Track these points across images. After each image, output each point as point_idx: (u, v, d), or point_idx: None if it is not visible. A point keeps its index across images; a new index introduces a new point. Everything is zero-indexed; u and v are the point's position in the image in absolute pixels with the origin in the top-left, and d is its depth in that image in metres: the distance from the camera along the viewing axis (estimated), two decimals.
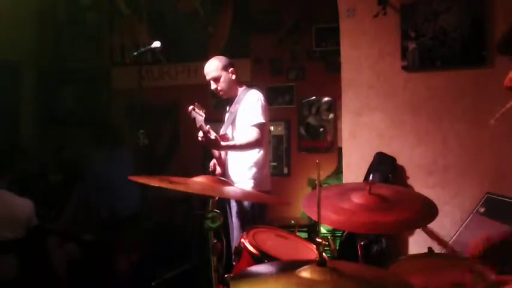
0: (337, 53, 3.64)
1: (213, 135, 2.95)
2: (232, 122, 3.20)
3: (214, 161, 3.28)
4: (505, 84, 1.61)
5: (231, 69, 3.20)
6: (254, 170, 3.11)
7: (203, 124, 2.93)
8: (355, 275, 1.31)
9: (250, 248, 1.98)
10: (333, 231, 4.18)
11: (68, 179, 4.21)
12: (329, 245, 1.69)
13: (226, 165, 3.22)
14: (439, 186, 3.17)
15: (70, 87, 6.11)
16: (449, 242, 2.86)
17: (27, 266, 3.55)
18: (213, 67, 3.18)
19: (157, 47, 3.36)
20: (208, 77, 3.20)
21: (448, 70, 3.21)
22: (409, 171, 3.28)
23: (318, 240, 1.32)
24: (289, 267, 1.33)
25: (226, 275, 1.56)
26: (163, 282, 3.57)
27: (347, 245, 2.98)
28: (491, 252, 1.66)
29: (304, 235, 4.33)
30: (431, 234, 3.07)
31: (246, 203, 3.03)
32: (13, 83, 5.72)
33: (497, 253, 1.66)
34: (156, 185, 1.65)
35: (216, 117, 3.49)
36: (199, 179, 1.83)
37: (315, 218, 1.74)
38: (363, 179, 3.21)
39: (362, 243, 2.21)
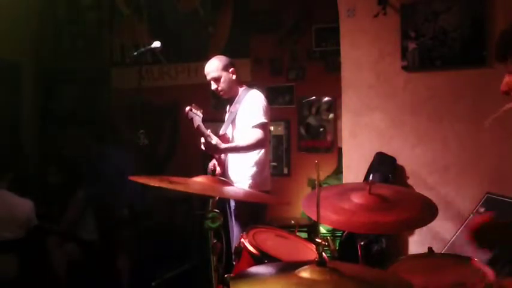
0: (337, 53, 3.64)
1: (214, 139, 2.95)
2: (233, 122, 3.20)
3: (214, 161, 3.28)
4: (501, 89, 1.61)
5: (232, 69, 3.20)
6: (254, 170, 3.11)
7: (201, 125, 2.92)
8: (355, 275, 1.31)
9: (250, 248, 1.98)
10: (333, 231, 4.18)
11: (68, 179, 4.21)
12: (329, 245, 1.69)
13: (226, 165, 3.21)
14: (439, 186, 3.17)
15: (70, 87, 6.10)
16: (449, 242, 2.86)
17: (27, 266, 3.55)
18: (213, 67, 3.17)
19: (157, 47, 3.36)
20: (208, 77, 3.20)
21: (448, 70, 3.21)
22: (409, 171, 3.29)
23: (318, 240, 1.32)
24: (289, 267, 1.33)
25: (226, 275, 1.56)
26: (163, 282, 3.57)
27: (347, 245, 2.98)
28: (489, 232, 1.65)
29: (304, 235, 4.33)
30: None
31: (246, 203, 3.03)
32: (13, 83, 5.72)
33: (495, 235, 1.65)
34: (156, 185, 1.65)
35: (216, 117, 3.49)
36: (199, 179, 1.83)
37: (314, 218, 1.74)
38: (363, 179, 3.21)
39: (362, 243, 2.20)
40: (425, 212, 1.85)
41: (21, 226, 3.53)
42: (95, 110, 5.95)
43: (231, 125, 3.22)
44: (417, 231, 3.18)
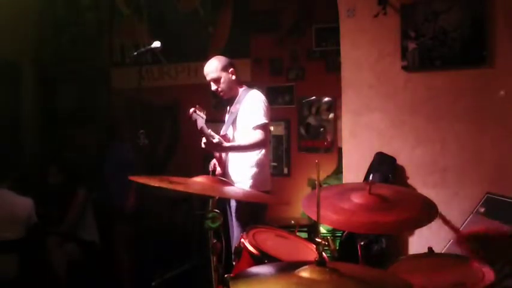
0: (337, 53, 3.64)
1: (216, 138, 2.95)
2: (233, 123, 3.20)
3: (214, 161, 3.28)
4: None
5: (231, 69, 3.19)
6: (255, 170, 3.11)
7: (204, 126, 2.92)
8: (355, 275, 1.31)
9: (250, 248, 1.98)
10: (333, 231, 4.18)
11: (68, 180, 4.21)
12: (329, 245, 1.69)
13: (226, 165, 3.21)
14: (439, 186, 3.17)
15: (70, 87, 6.10)
16: (449, 243, 2.86)
17: (27, 266, 3.55)
18: (213, 68, 3.17)
19: (157, 47, 3.36)
20: (208, 78, 3.19)
21: (448, 70, 3.20)
22: (409, 171, 3.28)
23: (318, 240, 1.32)
24: (289, 267, 1.33)
25: (226, 275, 1.56)
26: (163, 282, 3.56)
27: (347, 245, 2.98)
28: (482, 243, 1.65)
29: (304, 235, 4.33)
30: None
31: (246, 203, 3.03)
32: (13, 83, 5.72)
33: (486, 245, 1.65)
34: (156, 185, 1.65)
35: (216, 118, 3.49)
36: (199, 179, 1.84)
37: (314, 218, 1.74)
38: (363, 179, 3.21)
39: (362, 243, 2.20)
40: (425, 212, 1.85)
41: (22, 225, 3.54)
42: (94, 110, 5.96)
43: (231, 126, 3.22)
44: (417, 231, 3.18)
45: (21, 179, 4.06)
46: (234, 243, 2.49)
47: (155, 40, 3.39)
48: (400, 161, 3.28)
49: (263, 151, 3.15)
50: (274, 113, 3.59)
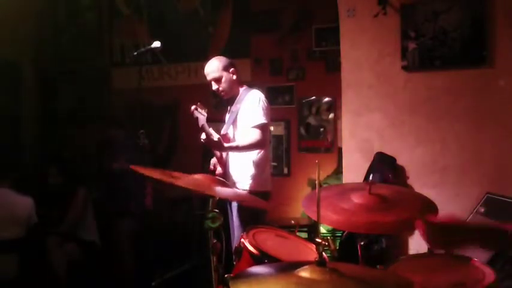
0: (337, 53, 3.64)
1: (215, 136, 2.96)
2: (233, 122, 3.20)
3: (214, 160, 3.28)
4: None
5: (232, 69, 3.19)
6: (255, 170, 3.11)
7: (205, 124, 2.94)
8: (355, 275, 1.31)
9: (250, 248, 1.98)
10: (333, 231, 4.18)
11: (68, 180, 4.21)
12: (329, 245, 1.69)
13: (227, 165, 3.22)
14: (439, 186, 3.17)
15: (70, 87, 6.11)
16: None
17: (27, 266, 3.55)
18: (214, 68, 3.17)
19: (157, 47, 3.36)
20: (208, 78, 3.20)
21: (448, 70, 3.21)
22: (409, 171, 3.29)
23: (318, 240, 1.32)
24: (289, 267, 1.33)
25: (226, 275, 1.56)
26: (163, 282, 3.57)
27: (347, 245, 2.98)
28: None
29: (304, 235, 4.33)
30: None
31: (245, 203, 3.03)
32: (13, 83, 5.72)
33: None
34: (157, 177, 1.67)
35: (216, 117, 3.49)
36: (196, 176, 1.85)
37: (314, 218, 1.74)
38: (363, 179, 3.21)
39: (362, 243, 2.20)
40: (425, 212, 1.85)
41: (22, 224, 3.53)
42: (94, 110, 5.96)
43: (232, 125, 3.22)
44: (417, 231, 3.18)
45: (21, 179, 4.06)
46: (234, 243, 2.48)
47: (155, 40, 3.39)
48: (400, 161, 3.28)
49: (263, 151, 3.14)
50: (274, 113, 3.59)
